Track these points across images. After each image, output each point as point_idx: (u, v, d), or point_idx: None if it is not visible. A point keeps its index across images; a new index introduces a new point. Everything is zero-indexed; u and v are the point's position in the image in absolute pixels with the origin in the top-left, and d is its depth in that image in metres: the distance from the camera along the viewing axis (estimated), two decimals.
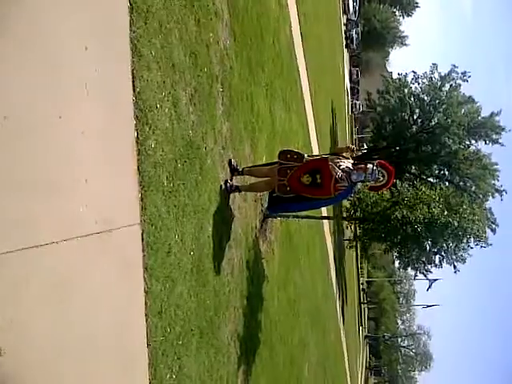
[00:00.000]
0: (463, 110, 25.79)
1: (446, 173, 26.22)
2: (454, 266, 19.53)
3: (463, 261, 19.10)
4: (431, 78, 27.00)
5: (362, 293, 59.93)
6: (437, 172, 27.07)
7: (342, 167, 5.50)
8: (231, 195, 5.91)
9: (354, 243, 24.56)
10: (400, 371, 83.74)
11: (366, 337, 69.84)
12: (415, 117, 27.14)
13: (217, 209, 5.24)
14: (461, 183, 25.70)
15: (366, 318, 70.57)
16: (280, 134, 9.49)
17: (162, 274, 3.81)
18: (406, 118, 27.11)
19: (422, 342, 79.73)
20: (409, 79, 28.38)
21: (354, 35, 48.04)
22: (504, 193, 25.94)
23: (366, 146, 55.51)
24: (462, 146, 25.13)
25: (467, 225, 16.60)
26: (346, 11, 45.97)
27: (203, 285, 4.68)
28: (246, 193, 6.31)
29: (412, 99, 27.47)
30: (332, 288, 20.17)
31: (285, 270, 9.42)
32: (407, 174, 27.60)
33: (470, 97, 25.71)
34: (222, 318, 5.23)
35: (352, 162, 5.71)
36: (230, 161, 5.85)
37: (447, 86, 26.26)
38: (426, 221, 16.14)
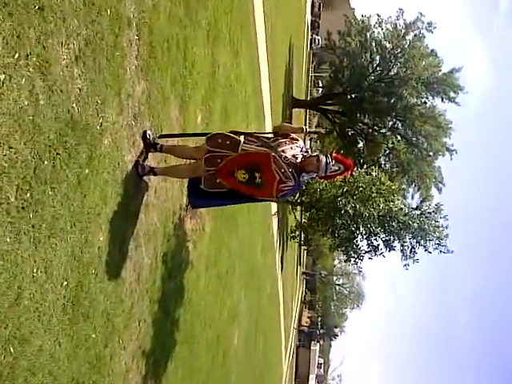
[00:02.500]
0: (424, 63, 24.64)
1: (400, 127, 25.38)
2: (407, 264, 17.33)
3: (416, 261, 16.89)
4: (396, 24, 25.47)
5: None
6: (390, 124, 26.19)
7: (288, 159, 4.21)
8: (146, 179, 4.56)
9: (297, 233, 21.56)
10: (333, 307, 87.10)
11: (303, 273, 71.59)
12: (375, 64, 25.77)
13: (118, 204, 3.89)
14: (413, 139, 24.99)
15: (305, 255, 71.81)
16: (223, 86, 8.01)
17: (11, 336, 2.53)
18: (366, 64, 25.71)
19: (355, 282, 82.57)
20: (372, 22, 26.77)
21: None
22: (454, 152, 25.50)
23: (321, 84, 54.12)
24: (419, 102, 24.17)
25: (429, 229, 15.29)
26: None
27: (85, 318, 3.42)
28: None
29: (373, 45, 25.97)
30: (273, 240, 19.39)
31: (217, 242, 8.26)
32: (360, 124, 26.62)
33: (432, 50, 24.47)
34: (116, 344, 4.03)
35: (301, 146, 4.42)
36: (145, 133, 4.44)
37: (411, 35, 24.90)
38: (381, 218, 14.72)
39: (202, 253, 7.07)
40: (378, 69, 25.73)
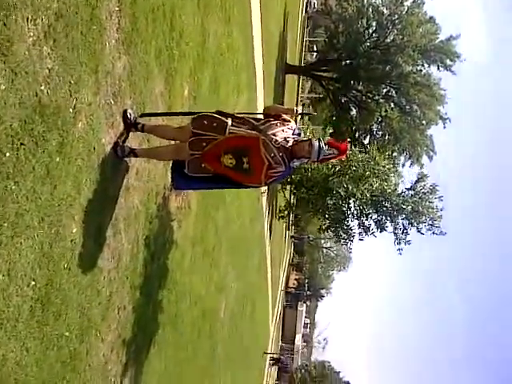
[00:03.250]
0: (421, 30, 24.04)
1: (394, 94, 24.95)
2: (400, 249, 16.39)
3: (408, 243, 16.12)
4: None
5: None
6: (384, 92, 25.75)
7: (278, 143, 3.93)
8: (126, 160, 4.27)
9: (286, 213, 20.45)
10: (320, 269, 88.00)
11: (291, 237, 72.02)
12: (371, 31, 25.12)
13: (93, 192, 3.62)
14: (407, 107, 24.61)
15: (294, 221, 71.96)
16: (213, 56, 7.62)
17: None
18: (362, 30, 25.05)
19: (342, 245, 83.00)
20: None
21: None
22: (448, 121, 25.21)
23: (315, 49, 52.95)
24: (415, 70, 23.69)
25: (422, 210, 14.66)
26: None
27: (56, 317, 3.19)
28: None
29: (370, 10, 25.26)
30: (262, 210, 19.20)
31: (204, 219, 8.04)
32: (354, 92, 26.15)
33: (431, 17, 23.85)
34: (93, 338, 3.82)
35: (293, 128, 4.13)
36: (126, 112, 4.12)
37: (409, 1, 24.20)
38: (373, 198, 14.21)
39: (187, 231, 6.84)
40: (374, 35, 25.12)
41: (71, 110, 3.19)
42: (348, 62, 25.61)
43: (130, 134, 4.29)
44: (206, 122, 3.97)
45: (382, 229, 15.46)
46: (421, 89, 23.37)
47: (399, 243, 15.82)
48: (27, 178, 2.75)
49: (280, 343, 63.29)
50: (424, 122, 24.99)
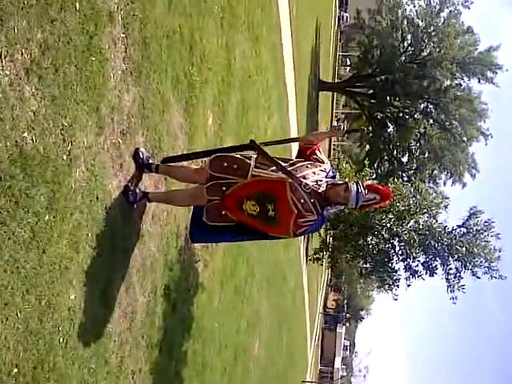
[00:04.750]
0: (459, 42, 23.16)
1: (433, 110, 24.01)
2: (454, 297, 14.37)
3: (463, 289, 14.08)
4: (429, 0, 23.97)
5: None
6: (422, 108, 24.86)
7: (309, 187, 3.34)
8: (139, 206, 3.77)
9: (322, 254, 17.72)
10: (359, 290, 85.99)
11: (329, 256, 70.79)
12: (406, 44, 24.34)
13: (97, 247, 3.11)
14: (447, 123, 23.63)
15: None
16: (240, 80, 7.14)
17: None
18: (396, 44, 24.30)
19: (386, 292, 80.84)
20: None
21: None
22: (489, 137, 24.09)
23: (349, 63, 52.28)
24: (454, 84, 22.77)
25: (477, 251, 12.88)
26: None
27: None
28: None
29: (405, 23, 24.53)
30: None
31: (234, 252, 7.48)
32: (390, 108, 25.34)
33: (469, 27, 22.96)
34: None
35: (328, 170, 3.55)
36: (137, 151, 3.63)
37: (446, 12, 23.38)
38: (421, 238, 12.68)
39: (214, 269, 6.30)
40: (409, 49, 24.33)
41: (65, 158, 2.70)
42: (383, 77, 24.86)
43: (143, 175, 3.80)
44: (225, 163, 3.44)
45: (432, 272, 13.72)
46: (461, 103, 22.41)
47: (452, 290, 13.92)
48: (3, 247, 2.25)
49: (319, 366, 61.83)
50: (465, 138, 23.94)
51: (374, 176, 26.96)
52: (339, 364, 73.09)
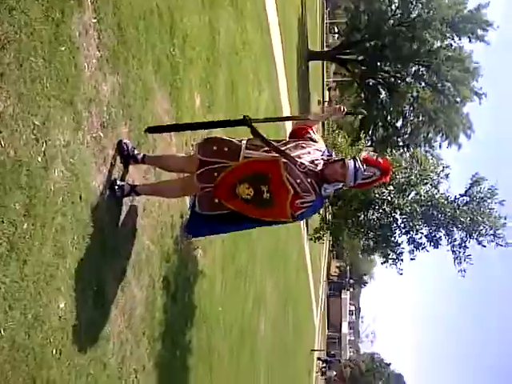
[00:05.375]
0: (447, 1, 22.68)
1: (425, 73, 23.64)
2: (463, 270, 13.63)
3: (469, 259, 13.46)
4: None
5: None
6: (413, 71, 24.47)
7: (305, 167, 3.16)
8: (129, 200, 3.59)
9: (322, 233, 16.64)
10: (361, 255, 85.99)
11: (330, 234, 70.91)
12: (394, 7, 23.85)
13: (85, 249, 2.95)
14: (439, 85, 23.29)
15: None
16: (226, 57, 6.88)
17: None
18: (384, 8, 23.80)
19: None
20: None
21: None
22: (483, 96, 23.78)
23: (337, 30, 51.34)
24: (444, 45, 22.37)
25: (482, 220, 12.26)
26: None
27: None
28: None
29: None
30: None
31: (234, 235, 7.33)
32: (381, 73, 24.96)
33: None
34: None
35: (323, 150, 3.36)
36: (121, 143, 3.44)
37: None
38: (423, 210, 12.12)
39: (214, 256, 6.16)
40: (397, 12, 23.84)
41: (40, 159, 2.51)
42: (373, 42, 24.43)
43: (130, 167, 3.61)
44: (215, 146, 3.24)
45: (437, 244, 13.12)
46: (453, 64, 22.06)
47: (460, 262, 13.21)
48: None
49: (327, 332, 62.40)
50: (458, 99, 23.64)
51: (370, 143, 26.78)
52: (346, 329, 73.95)
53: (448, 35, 22.44)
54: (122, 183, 3.41)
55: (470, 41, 22.60)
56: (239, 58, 7.87)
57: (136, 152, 3.54)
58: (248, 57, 8.64)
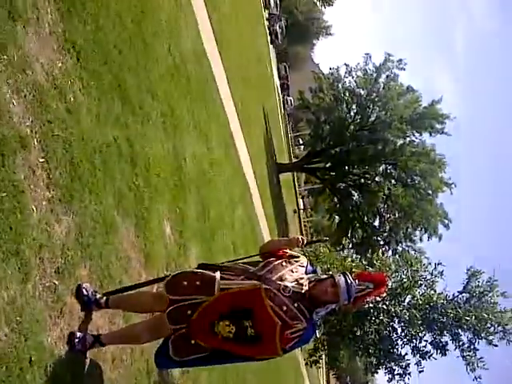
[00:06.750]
0: (402, 101, 23.89)
1: (393, 170, 24.22)
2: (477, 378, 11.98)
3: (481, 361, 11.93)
4: (365, 69, 24.92)
5: None
6: (381, 170, 25.07)
7: (289, 290, 2.82)
8: (93, 352, 3.13)
9: (318, 356, 14.36)
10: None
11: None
12: (353, 114, 24.99)
13: None
14: (409, 180, 23.77)
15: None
16: (194, 180, 6.76)
17: None
18: (344, 116, 24.90)
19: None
20: (342, 73, 26.27)
21: (277, 30, 45.36)
22: (453, 186, 24.25)
23: (301, 142, 53.17)
24: (407, 142, 23.21)
25: (488, 317, 11.31)
26: (267, 6, 43.49)
27: None
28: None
29: (347, 95, 25.27)
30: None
31: (220, 370, 6.71)
32: (350, 176, 25.50)
33: (408, 86, 23.76)
34: None
35: (304, 264, 3.05)
36: (79, 288, 3.05)
37: (383, 77, 24.28)
38: (422, 314, 11.22)
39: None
40: (357, 117, 24.91)
41: None
42: (337, 149, 25.21)
43: (93, 314, 3.20)
44: (185, 282, 2.89)
45: (444, 350, 11.77)
46: (418, 159, 22.68)
47: (473, 369, 11.67)
48: None
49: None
50: (430, 191, 24.04)
51: (351, 245, 26.58)
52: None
53: (408, 133, 23.31)
54: (82, 334, 2.99)
55: (430, 135, 23.50)
56: (208, 179, 7.77)
57: (98, 296, 3.16)
58: (217, 176, 8.57)
